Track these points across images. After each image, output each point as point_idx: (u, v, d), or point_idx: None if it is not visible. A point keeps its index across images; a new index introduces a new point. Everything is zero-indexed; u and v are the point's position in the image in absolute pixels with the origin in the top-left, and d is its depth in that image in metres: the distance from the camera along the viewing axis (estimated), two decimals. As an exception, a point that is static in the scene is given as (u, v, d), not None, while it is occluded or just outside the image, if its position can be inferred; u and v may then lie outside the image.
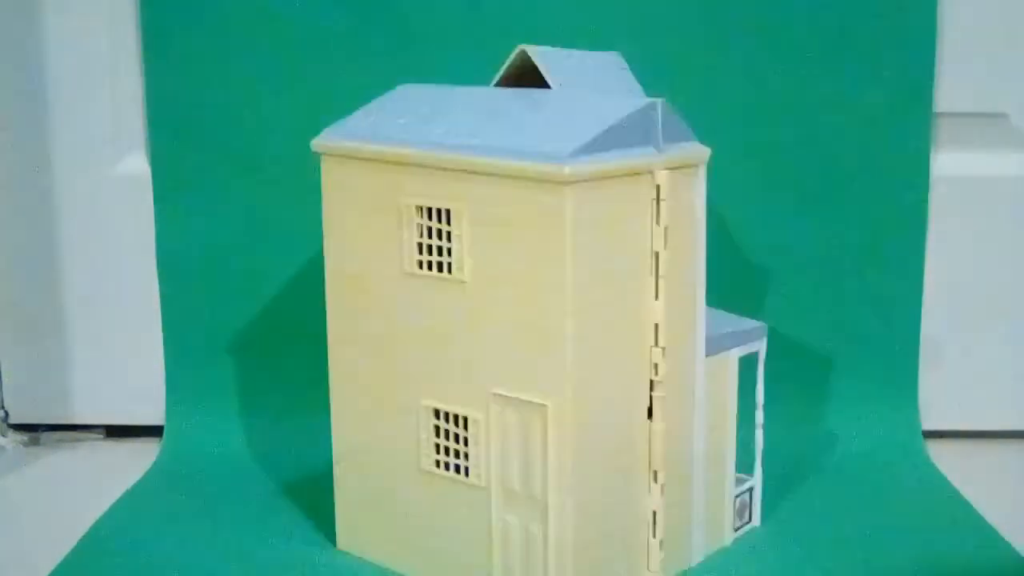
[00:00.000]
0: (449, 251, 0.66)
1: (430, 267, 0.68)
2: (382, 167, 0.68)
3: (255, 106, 0.93)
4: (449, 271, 0.67)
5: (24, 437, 1.00)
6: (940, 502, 0.85)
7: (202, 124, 0.94)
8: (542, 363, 0.64)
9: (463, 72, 0.90)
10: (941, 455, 0.93)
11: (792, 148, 0.94)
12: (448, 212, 0.66)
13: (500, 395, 0.66)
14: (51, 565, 0.74)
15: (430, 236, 0.67)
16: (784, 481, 0.87)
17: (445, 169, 0.66)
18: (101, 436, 1.01)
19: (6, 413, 1.00)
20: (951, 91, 0.95)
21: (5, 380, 1.00)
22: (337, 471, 0.76)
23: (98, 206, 0.97)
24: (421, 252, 0.68)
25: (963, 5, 0.94)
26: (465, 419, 0.68)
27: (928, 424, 0.97)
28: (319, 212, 0.94)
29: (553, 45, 0.74)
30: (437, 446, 0.69)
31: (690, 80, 0.91)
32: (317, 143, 0.72)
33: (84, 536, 0.78)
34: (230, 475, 0.89)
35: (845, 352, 0.96)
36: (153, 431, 0.97)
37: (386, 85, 0.81)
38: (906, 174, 0.95)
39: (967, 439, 0.99)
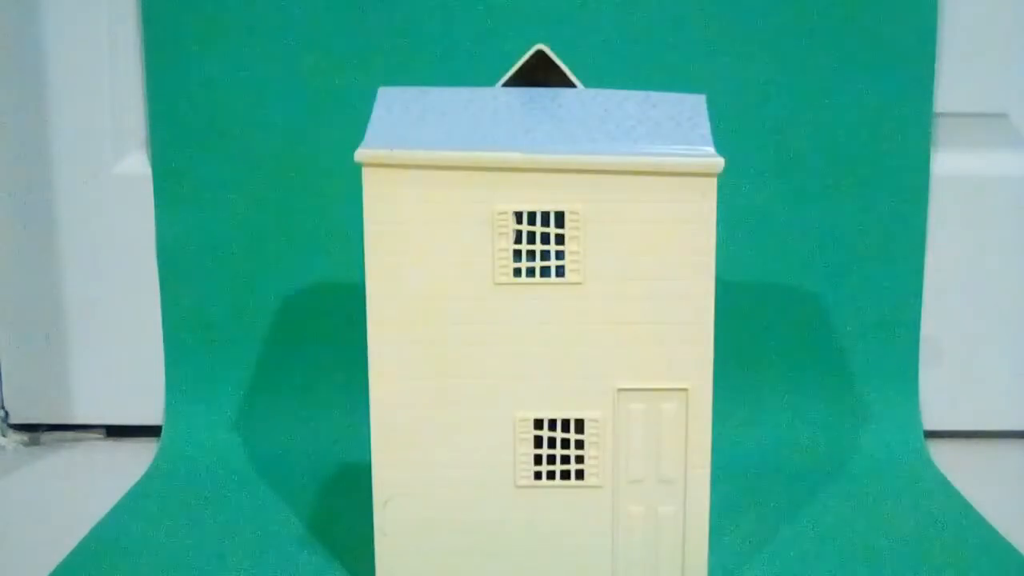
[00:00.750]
0: (559, 255, 0.66)
1: (530, 274, 0.66)
2: (465, 176, 0.65)
3: (256, 106, 0.93)
4: (559, 275, 0.66)
5: (24, 437, 1.00)
6: (940, 502, 0.85)
7: (203, 124, 0.94)
8: (681, 350, 0.67)
9: (464, 71, 0.90)
10: (941, 455, 0.93)
11: (791, 148, 0.94)
12: (561, 215, 0.66)
13: (627, 389, 0.67)
14: (51, 565, 0.74)
15: (531, 242, 0.66)
16: (783, 481, 0.87)
17: (563, 171, 0.65)
18: (101, 436, 1.01)
19: (6, 413, 1.00)
20: (951, 91, 0.95)
21: (5, 380, 1.00)
22: (381, 517, 0.69)
23: (98, 206, 0.97)
24: (518, 260, 0.66)
25: (963, 5, 0.94)
26: (580, 422, 0.68)
27: (928, 424, 0.97)
28: (320, 211, 0.94)
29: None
30: (538, 457, 0.68)
31: (687, 80, 0.91)
32: (370, 154, 0.66)
33: (85, 537, 0.78)
34: (229, 476, 0.89)
35: (845, 352, 0.96)
36: (153, 431, 0.97)
37: (388, 83, 0.81)
38: (906, 174, 0.95)
39: (967, 439, 0.99)
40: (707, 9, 0.92)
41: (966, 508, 0.83)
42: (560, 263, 0.66)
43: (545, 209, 0.65)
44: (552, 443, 0.68)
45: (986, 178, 0.97)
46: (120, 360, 0.98)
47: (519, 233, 0.66)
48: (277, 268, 0.95)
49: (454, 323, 0.67)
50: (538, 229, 0.66)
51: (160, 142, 0.94)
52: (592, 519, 0.69)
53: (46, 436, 1.01)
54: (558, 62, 0.71)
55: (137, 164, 0.97)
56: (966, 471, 0.90)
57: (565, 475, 0.68)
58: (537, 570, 0.69)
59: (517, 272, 0.66)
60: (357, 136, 0.66)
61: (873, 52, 0.93)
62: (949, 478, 0.89)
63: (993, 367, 0.99)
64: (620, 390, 0.68)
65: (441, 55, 0.92)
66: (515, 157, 0.65)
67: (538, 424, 0.68)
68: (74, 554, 0.76)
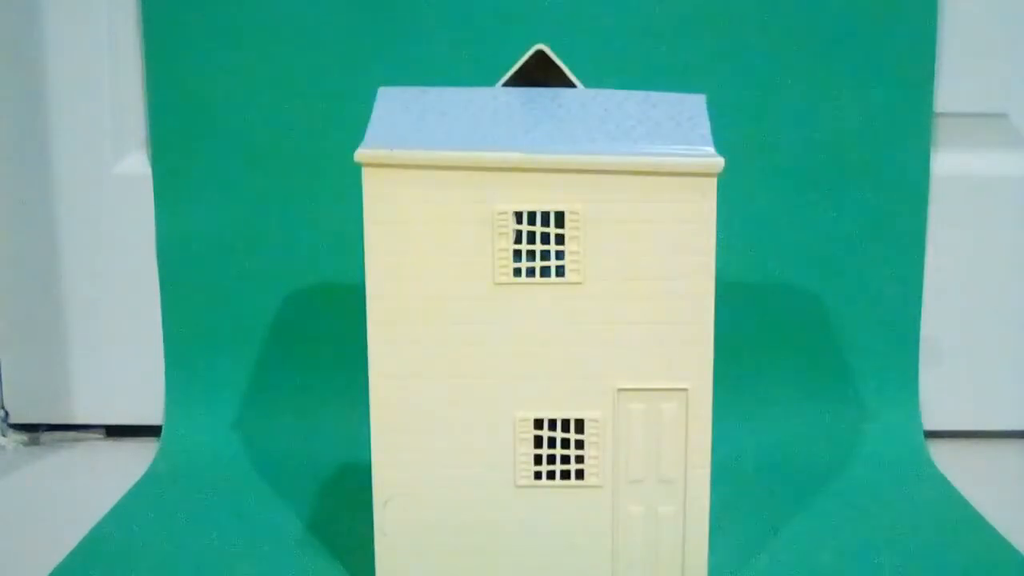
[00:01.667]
0: (559, 255, 0.66)
1: (531, 273, 0.66)
2: (465, 176, 0.65)
3: (256, 106, 0.93)
4: (560, 275, 0.66)
5: (24, 437, 1.00)
6: (940, 502, 0.85)
7: (203, 124, 0.94)
8: (681, 350, 0.67)
9: (459, 71, 0.90)
10: (941, 455, 0.93)
11: (791, 148, 0.94)
12: (561, 215, 0.65)
13: (627, 389, 0.67)
14: (51, 565, 0.74)
15: (531, 242, 0.66)
16: (783, 481, 0.87)
17: (563, 171, 0.65)
18: (101, 436, 1.01)
19: (6, 413, 1.00)
20: (951, 91, 0.95)
21: (5, 380, 1.00)
22: (381, 517, 0.69)
23: (98, 206, 0.97)
24: (518, 259, 0.66)
25: (963, 5, 0.94)
26: (580, 422, 0.68)
27: (928, 424, 0.97)
28: (320, 211, 0.95)
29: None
30: (537, 457, 0.68)
31: (687, 80, 0.91)
32: (369, 155, 0.65)
33: (84, 536, 0.78)
34: (229, 476, 0.89)
35: (845, 352, 0.96)
36: (153, 431, 0.97)
37: (387, 84, 0.80)
38: (906, 174, 0.95)
39: (967, 439, 0.99)
40: (707, 9, 0.92)
41: (966, 508, 0.83)
42: (560, 263, 0.66)
43: (545, 209, 0.65)
44: (552, 443, 0.68)
45: (986, 178, 0.97)
46: (120, 360, 0.98)
47: (519, 233, 0.66)
48: (277, 268, 0.95)
49: (454, 323, 0.67)
50: (538, 229, 0.66)
51: (160, 142, 0.95)
52: (592, 519, 0.69)
53: (46, 436, 1.01)
54: (558, 62, 0.71)
55: (137, 164, 0.97)
56: (966, 471, 0.90)
57: (565, 475, 0.68)
58: (537, 570, 0.69)
59: (517, 272, 0.66)
60: (357, 135, 0.66)
61: (873, 52, 0.93)
62: (949, 478, 0.89)
63: (993, 367, 0.99)
64: (620, 390, 0.68)
65: (441, 55, 0.92)
66: (515, 157, 0.65)
67: (538, 424, 0.68)
68: (74, 554, 0.76)
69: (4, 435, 1.00)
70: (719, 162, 0.65)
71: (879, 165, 0.94)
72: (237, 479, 0.89)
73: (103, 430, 1.01)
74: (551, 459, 0.68)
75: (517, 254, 0.66)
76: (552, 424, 0.68)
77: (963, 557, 0.76)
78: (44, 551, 0.76)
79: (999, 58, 0.95)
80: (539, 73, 0.71)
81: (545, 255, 0.66)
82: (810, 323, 0.96)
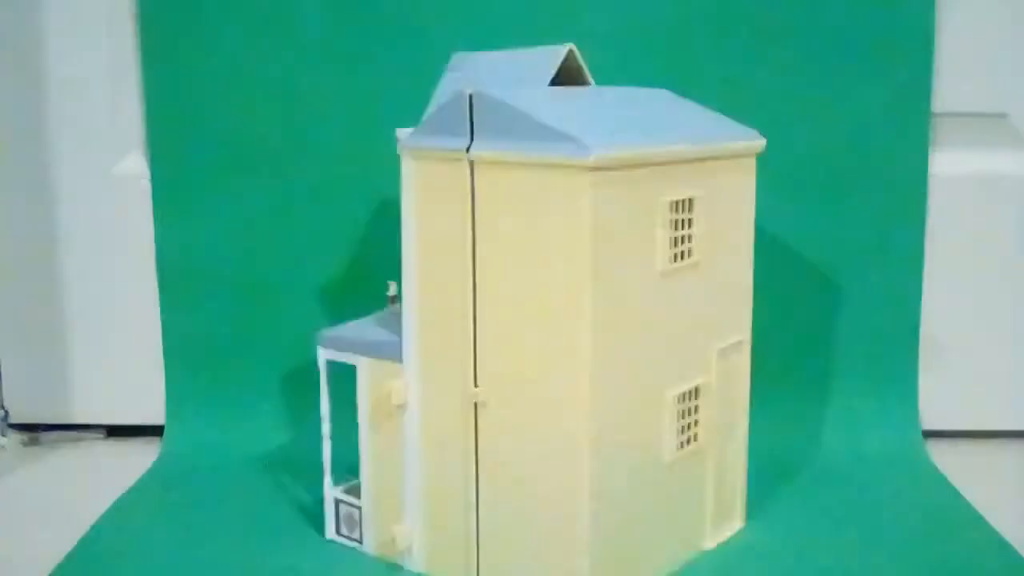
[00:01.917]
0: (690, 238, 0.69)
1: (678, 258, 0.69)
2: (646, 171, 0.66)
3: (254, 107, 0.93)
4: (690, 256, 0.70)
5: (24, 437, 1.00)
6: (940, 502, 0.85)
7: (202, 125, 0.94)
8: (738, 306, 0.76)
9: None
10: (941, 455, 0.93)
11: (792, 148, 0.94)
12: (691, 201, 0.69)
13: (720, 349, 0.74)
14: (51, 565, 0.74)
15: (677, 228, 0.69)
16: (783, 481, 0.87)
17: (696, 161, 0.69)
18: (101, 436, 1.01)
19: (6, 413, 1.00)
20: (951, 91, 0.95)
21: (5, 380, 1.00)
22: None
23: (98, 206, 0.97)
24: (673, 246, 0.69)
25: (963, 5, 0.94)
26: (697, 389, 0.72)
27: (928, 424, 0.97)
28: (317, 212, 0.95)
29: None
30: (677, 430, 0.71)
31: (689, 80, 0.91)
32: (602, 158, 0.62)
33: (84, 536, 0.78)
34: (229, 475, 0.89)
35: (845, 351, 0.96)
36: (153, 431, 0.97)
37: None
38: (906, 174, 0.95)
39: (967, 439, 0.99)
40: (706, 10, 0.92)
41: (966, 508, 0.83)
42: (690, 246, 0.70)
43: (686, 197, 0.69)
44: (682, 414, 0.71)
45: (986, 178, 0.97)
46: (120, 360, 0.99)
47: (674, 221, 0.68)
48: (275, 268, 0.95)
49: (628, 314, 0.66)
50: (683, 216, 0.69)
51: (158, 144, 0.95)
52: (698, 474, 0.74)
53: (46, 436, 1.01)
54: (581, 62, 0.74)
55: (137, 165, 0.97)
56: (966, 471, 0.90)
57: (688, 441, 0.72)
58: (668, 536, 0.72)
59: (673, 258, 0.69)
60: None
61: (873, 52, 0.93)
62: (949, 478, 0.89)
63: (993, 367, 0.99)
64: (720, 350, 0.73)
65: (439, 56, 0.92)
66: (686, 150, 0.68)
67: (680, 398, 0.71)
68: (74, 554, 0.76)
69: (4, 435, 1.00)
70: (763, 142, 0.75)
71: (879, 165, 0.94)
72: (237, 479, 0.89)
73: (103, 430, 1.01)
74: (681, 430, 0.72)
75: (671, 241, 0.69)
76: (685, 396, 0.71)
77: (962, 556, 0.76)
78: (44, 551, 0.76)
79: (999, 58, 0.95)
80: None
81: (685, 240, 0.69)
82: (809, 323, 0.96)
